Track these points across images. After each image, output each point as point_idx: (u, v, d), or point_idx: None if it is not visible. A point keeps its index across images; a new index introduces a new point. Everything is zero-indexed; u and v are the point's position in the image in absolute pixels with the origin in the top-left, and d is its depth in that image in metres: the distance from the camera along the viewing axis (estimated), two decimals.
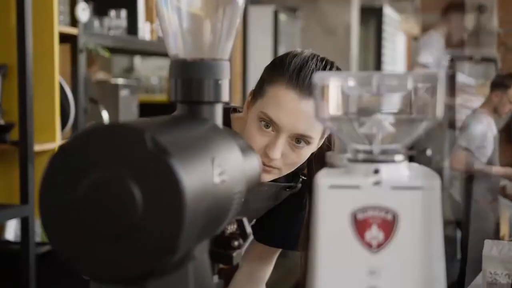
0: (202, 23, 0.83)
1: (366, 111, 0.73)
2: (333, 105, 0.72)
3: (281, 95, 1.22)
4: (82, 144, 0.63)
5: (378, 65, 7.41)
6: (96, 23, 2.92)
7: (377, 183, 0.68)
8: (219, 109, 0.82)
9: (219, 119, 0.82)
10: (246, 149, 0.87)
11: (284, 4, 5.68)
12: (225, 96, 0.83)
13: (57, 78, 2.49)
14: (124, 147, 0.62)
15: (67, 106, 2.56)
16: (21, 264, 2.33)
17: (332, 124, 0.73)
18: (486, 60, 9.20)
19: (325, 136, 1.31)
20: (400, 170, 0.71)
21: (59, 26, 2.54)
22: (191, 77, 0.81)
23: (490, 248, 1.97)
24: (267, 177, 1.28)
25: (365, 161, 0.71)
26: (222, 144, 0.75)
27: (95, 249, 0.62)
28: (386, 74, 0.70)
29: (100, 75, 3.79)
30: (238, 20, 0.85)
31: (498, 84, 4.24)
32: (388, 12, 7.46)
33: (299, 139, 1.24)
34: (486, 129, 4.13)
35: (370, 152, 0.71)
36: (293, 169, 1.29)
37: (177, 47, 0.83)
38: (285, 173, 1.29)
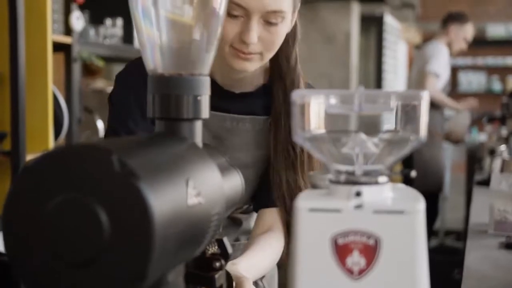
0: (181, 37, 0.80)
1: (348, 130, 0.70)
2: (314, 124, 0.70)
3: None
4: (48, 164, 0.60)
5: (378, 74, 7.38)
6: (92, 31, 2.90)
7: (358, 206, 0.66)
8: (198, 126, 0.80)
9: (198, 136, 0.79)
10: (227, 167, 0.84)
11: None
12: (205, 113, 0.80)
13: (51, 87, 2.46)
14: (90, 169, 0.59)
15: (61, 116, 2.53)
16: (13, 276, 2.30)
17: (312, 143, 0.70)
18: (406, 4, 9.22)
19: (297, 9, 1.28)
20: (383, 192, 0.68)
21: (53, 35, 2.51)
22: (170, 93, 0.78)
23: (498, 182, 1.86)
24: (250, 66, 1.24)
25: (347, 182, 0.68)
26: (199, 163, 0.72)
27: (61, 275, 0.59)
28: (369, 93, 0.67)
29: (100, 83, 3.77)
30: (219, 32, 0.82)
31: (455, 18, 4.32)
32: (389, 20, 7.44)
33: (271, 17, 1.19)
34: (446, 59, 4.28)
35: (352, 173, 0.69)
36: (273, 52, 1.25)
37: (155, 62, 0.80)
38: (268, 58, 1.25)
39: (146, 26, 0.80)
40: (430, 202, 4.44)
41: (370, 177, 0.68)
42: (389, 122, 0.69)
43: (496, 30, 9.74)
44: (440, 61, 4.23)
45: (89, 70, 3.51)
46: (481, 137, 8.93)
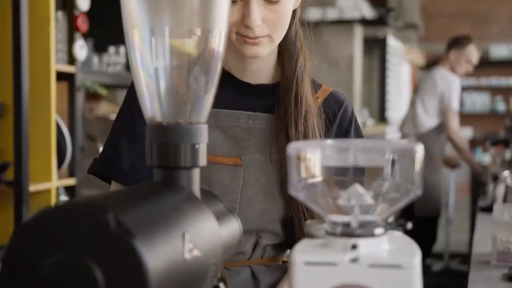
0: (179, 85, 0.81)
1: (344, 182, 0.70)
2: (309, 176, 0.70)
3: None
4: (43, 223, 0.60)
5: (382, 96, 7.40)
6: (95, 59, 2.91)
7: (354, 260, 0.65)
8: (196, 174, 0.80)
9: (196, 184, 0.80)
10: (224, 213, 0.84)
11: None
12: (202, 161, 0.80)
13: (54, 116, 2.47)
14: (86, 228, 0.59)
15: (64, 145, 2.54)
16: None
17: (308, 194, 0.70)
18: (409, 26, 9.27)
19: None
20: (379, 245, 0.67)
21: (57, 64, 2.53)
22: (167, 141, 0.78)
23: (500, 212, 1.84)
24: (260, 50, 1.17)
25: (343, 235, 0.68)
26: (196, 215, 0.72)
27: None
28: (364, 146, 0.67)
29: (105, 107, 3.78)
30: (216, 81, 0.82)
31: (453, 44, 4.35)
32: (392, 42, 7.47)
33: None
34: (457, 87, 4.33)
35: (348, 225, 0.69)
36: (283, 32, 1.17)
37: (154, 110, 0.81)
38: (278, 40, 1.18)
39: (144, 75, 0.80)
40: (429, 226, 4.42)
41: (366, 229, 0.68)
42: (385, 174, 0.69)
43: (499, 51, 9.76)
44: (457, 95, 4.31)
45: (92, 95, 3.53)
46: (485, 158, 8.93)
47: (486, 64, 9.80)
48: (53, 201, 2.49)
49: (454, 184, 5.93)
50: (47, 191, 2.50)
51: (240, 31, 1.15)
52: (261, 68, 1.25)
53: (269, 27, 1.15)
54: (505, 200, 2.81)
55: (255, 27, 1.13)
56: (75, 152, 2.64)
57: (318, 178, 0.70)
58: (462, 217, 6.05)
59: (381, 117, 7.36)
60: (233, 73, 1.26)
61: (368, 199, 0.69)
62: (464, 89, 9.92)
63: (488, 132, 9.74)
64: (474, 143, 9.85)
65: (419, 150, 0.67)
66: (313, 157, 0.69)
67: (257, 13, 1.12)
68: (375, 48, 7.20)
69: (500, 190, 2.89)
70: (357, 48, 5.58)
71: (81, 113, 2.70)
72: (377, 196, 0.69)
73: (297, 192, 0.70)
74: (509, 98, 9.89)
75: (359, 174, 0.69)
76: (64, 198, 2.80)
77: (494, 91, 9.92)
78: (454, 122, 4.25)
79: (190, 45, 0.79)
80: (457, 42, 4.35)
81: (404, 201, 0.69)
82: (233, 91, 1.25)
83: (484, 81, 9.90)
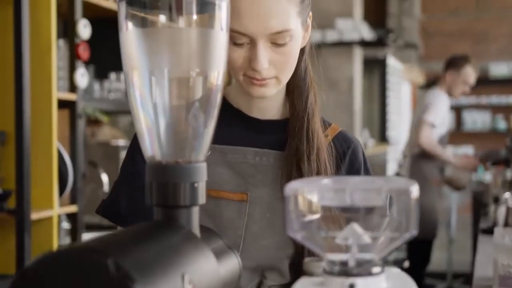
0: (178, 125, 0.82)
1: (341, 221, 0.71)
2: (307, 215, 0.71)
3: (237, 2, 1.10)
4: (44, 268, 0.61)
5: (383, 116, 7.42)
6: (97, 85, 2.94)
7: None
8: (195, 212, 0.81)
9: (195, 222, 0.81)
10: (223, 250, 0.85)
11: None
12: (202, 199, 0.81)
13: (55, 144, 2.49)
14: (87, 272, 0.60)
15: (65, 172, 2.55)
16: None
17: (306, 234, 0.71)
18: (409, 45, 9.28)
19: (307, 19, 1.21)
20: (377, 284, 0.68)
21: (58, 92, 2.55)
22: (167, 181, 0.79)
23: (501, 236, 1.83)
24: (267, 91, 1.17)
25: (340, 274, 0.68)
26: (195, 254, 0.73)
27: None
28: (360, 187, 0.68)
29: (107, 131, 3.80)
30: (214, 119, 0.84)
31: (450, 65, 4.34)
32: (392, 62, 7.50)
33: (278, 38, 1.12)
34: (446, 109, 4.28)
35: (345, 263, 0.69)
36: (290, 73, 1.17)
37: (153, 149, 0.82)
38: (285, 80, 1.18)
39: (143, 115, 0.81)
40: (424, 248, 4.38)
41: (363, 268, 0.69)
42: (381, 213, 0.70)
43: (499, 69, 9.80)
44: (438, 111, 4.24)
45: (94, 119, 3.54)
46: (486, 176, 8.92)
47: (486, 83, 9.83)
48: (55, 228, 2.50)
49: (456, 203, 5.92)
50: (48, 219, 2.50)
51: (247, 73, 1.15)
52: (269, 105, 1.26)
53: (276, 69, 1.15)
54: (506, 222, 2.81)
55: (262, 70, 1.13)
56: (77, 179, 2.64)
57: (316, 217, 0.71)
58: (464, 237, 6.04)
59: (382, 137, 7.37)
60: (242, 109, 1.26)
61: (366, 238, 0.70)
62: (464, 107, 9.95)
63: (489, 150, 9.75)
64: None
65: (414, 190, 0.68)
66: (311, 197, 0.70)
67: (264, 57, 1.12)
68: (375, 68, 7.23)
69: (501, 212, 2.89)
70: (357, 69, 5.61)
71: (83, 140, 2.71)
72: (375, 235, 0.70)
73: (295, 232, 0.71)
74: (509, 116, 9.91)
75: (356, 213, 0.70)
76: (66, 225, 2.80)
77: (495, 109, 9.95)
78: (424, 132, 4.17)
79: (189, 86, 0.81)
80: (454, 63, 4.36)
81: (401, 240, 0.70)
82: (242, 127, 1.25)
83: (484, 99, 9.92)
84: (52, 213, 2.49)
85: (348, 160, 1.27)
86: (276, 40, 1.13)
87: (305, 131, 1.21)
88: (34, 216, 2.41)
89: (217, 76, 0.82)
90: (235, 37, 1.12)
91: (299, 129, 1.22)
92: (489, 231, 2.86)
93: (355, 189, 0.69)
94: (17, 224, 2.33)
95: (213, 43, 0.80)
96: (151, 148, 0.82)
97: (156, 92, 0.80)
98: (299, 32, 1.16)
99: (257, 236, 1.19)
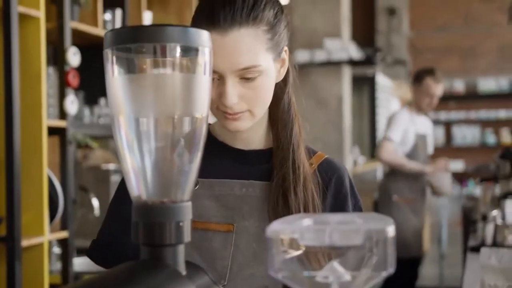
0: (163, 167, 0.84)
1: (321, 260, 0.74)
2: (287, 255, 0.73)
3: None
4: None
5: (372, 132, 7.47)
6: (87, 111, 2.96)
7: None
8: (181, 250, 0.83)
9: (181, 260, 0.83)
10: (209, 286, 0.87)
11: None
12: (187, 237, 0.83)
13: (46, 171, 2.50)
14: None
15: (56, 199, 2.57)
16: None
17: (287, 273, 0.73)
18: (398, 62, 9.30)
19: (281, 54, 1.20)
20: None
21: (48, 119, 2.57)
22: (153, 220, 0.82)
23: (488, 256, 1.85)
24: (241, 124, 1.18)
25: None
26: None
27: None
28: (339, 228, 0.71)
29: (99, 154, 3.81)
30: (198, 160, 0.86)
31: (414, 79, 4.34)
32: (381, 80, 7.57)
33: (246, 73, 1.13)
34: (407, 124, 4.22)
35: None
36: (264, 106, 1.19)
37: (139, 189, 0.84)
38: (260, 113, 1.19)
39: (130, 157, 0.84)
40: (411, 266, 4.34)
41: None
42: (360, 252, 0.72)
43: (487, 84, 9.88)
44: (398, 126, 4.17)
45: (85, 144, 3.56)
46: (476, 191, 8.96)
47: (475, 98, 9.93)
48: (45, 255, 2.51)
49: (446, 218, 5.96)
50: (39, 245, 2.51)
51: (220, 108, 1.17)
52: (251, 135, 1.27)
53: (248, 103, 1.16)
54: (494, 240, 2.84)
55: (232, 105, 1.15)
56: (67, 205, 2.66)
57: (296, 257, 0.74)
58: (456, 251, 6.06)
59: (372, 154, 7.41)
60: (226, 142, 1.28)
61: (346, 276, 0.72)
62: (454, 122, 10.02)
63: (479, 164, 9.83)
64: (466, 176, 9.92)
65: (390, 230, 0.71)
66: (291, 237, 0.73)
67: (233, 92, 1.14)
68: (364, 85, 7.29)
69: (490, 229, 2.92)
70: (345, 88, 5.66)
71: (73, 165, 2.73)
72: (354, 273, 0.72)
73: (276, 272, 0.73)
74: (499, 131, 9.98)
75: (336, 252, 0.73)
76: (56, 250, 2.81)
77: (484, 124, 10.03)
78: (383, 147, 4.13)
79: (174, 128, 0.83)
80: (416, 77, 4.34)
81: (379, 277, 0.72)
82: (227, 159, 1.27)
83: (473, 114, 10.00)
84: (43, 239, 2.50)
85: (333, 187, 1.28)
86: (245, 75, 1.14)
87: (290, 163, 1.23)
88: (25, 243, 2.42)
89: (201, 118, 0.85)
90: None
91: (285, 160, 1.23)
92: (478, 249, 2.88)
93: (334, 230, 0.72)
94: (8, 251, 2.33)
95: (197, 87, 0.83)
96: (137, 188, 0.84)
97: (142, 135, 0.83)
98: (270, 67, 1.17)
99: (243, 266, 1.21)
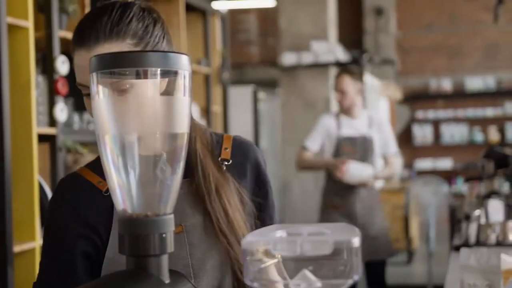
0: (147, 182, 0.90)
1: (293, 268, 0.80)
2: (262, 264, 0.79)
3: (75, 57, 1.21)
4: None
5: None
6: (76, 118, 3.01)
7: None
8: (164, 260, 0.89)
9: (165, 269, 0.89)
10: None
11: (264, 81, 5.87)
12: (170, 247, 0.89)
13: (36, 178, 2.55)
14: None
15: (47, 204, 2.61)
16: None
17: (262, 282, 0.79)
18: (386, 61, 9.29)
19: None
20: None
21: (38, 127, 2.61)
22: (138, 233, 0.87)
23: (467, 256, 1.90)
24: None
25: None
26: None
27: None
28: (309, 238, 0.77)
29: (89, 159, 3.85)
30: (180, 176, 0.92)
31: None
32: (369, 80, 7.63)
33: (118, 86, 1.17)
34: (327, 130, 4.05)
35: None
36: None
37: (124, 204, 0.90)
38: None
39: (115, 173, 0.90)
40: (376, 268, 4.23)
41: None
42: (328, 261, 0.78)
43: (474, 83, 9.98)
44: (315, 133, 4.08)
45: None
46: (465, 188, 9.04)
47: (462, 96, 10.03)
48: (37, 260, 2.56)
49: (434, 217, 6.03)
50: (31, 251, 2.56)
51: None
52: None
53: None
54: (477, 239, 2.90)
55: None
56: None
57: (270, 267, 0.80)
58: (444, 249, 6.14)
59: None
60: None
61: (316, 283, 0.79)
62: (442, 121, 10.12)
63: (468, 162, 9.93)
64: (454, 174, 10.03)
65: (356, 241, 0.77)
66: (265, 248, 0.79)
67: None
68: None
69: (473, 228, 2.98)
70: (332, 89, 5.73)
71: (63, 171, 2.78)
72: (324, 281, 0.78)
73: (252, 281, 0.79)
74: (486, 129, 10.08)
75: (307, 261, 0.79)
76: None
77: (472, 122, 10.12)
78: (298, 156, 4.08)
79: (156, 145, 0.89)
80: (337, 76, 4.14)
81: (347, 284, 0.78)
82: None
83: (461, 112, 10.10)
84: (34, 244, 2.55)
85: (250, 168, 1.34)
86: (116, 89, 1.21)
87: (200, 174, 1.27)
88: (17, 248, 2.47)
89: (182, 134, 0.91)
90: (84, 91, 1.23)
91: (195, 172, 1.28)
92: (461, 248, 2.94)
93: (305, 240, 0.78)
94: (0, 257, 2.38)
95: (177, 107, 0.89)
96: (122, 202, 0.90)
97: (126, 152, 0.89)
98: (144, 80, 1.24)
99: (202, 260, 1.27)
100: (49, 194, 2.63)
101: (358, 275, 0.78)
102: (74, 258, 1.25)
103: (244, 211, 1.29)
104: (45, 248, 1.29)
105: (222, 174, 1.29)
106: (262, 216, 1.33)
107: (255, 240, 0.79)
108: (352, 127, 4.07)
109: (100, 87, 0.88)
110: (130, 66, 0.87)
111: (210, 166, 1.29)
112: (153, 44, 1.23)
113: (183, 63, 0.89)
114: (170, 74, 0.89)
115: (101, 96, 0.88)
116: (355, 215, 4.06)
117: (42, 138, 2.67)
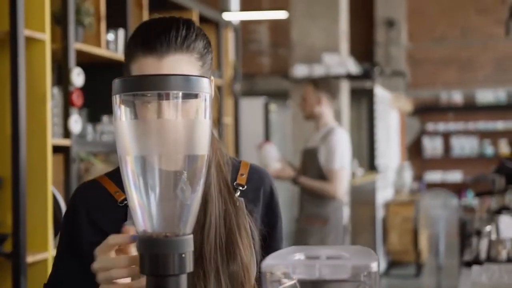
0: (167, 203, 0.91)
1: None
2: (281, 286, 0.80)
3: (141, 64, 1.19)
4: None
5: (371, 144, 7.53)
6: (90, 129, 3.03)
7: None
8: (183, 280, 0.90)
9: None
10: None
11: (275, 92, 5.88)
12: (189, 267, 0.91)
13: (50, 189, 2.57)
14: None
15: (60, 215, 2.64)
16: None
17: None
18: (397, 73, 9.22)
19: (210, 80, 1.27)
20: None
21: (53, 138, 2.64)
22: (157, 253, 0.89)
23: (479, 274, 1.91)
24: None
25: None
26: None
27: None
28: (328, 262, 0.78)
29: (100, 167, 3.87)
30: (199, 196, 0.93)
31: None
32: (380, 92, 7.64)
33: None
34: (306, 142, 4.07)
35: None
36: None
37: (145, 224, 0.91)
38: None
39: (136, 194, 0.91)
40: None
41: None
42: (347, 285, 0.79)
43: (485, 96, 9.96)
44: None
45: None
46: (474, 201, 9.01)
47: (473, 109, 10.00)
48: (49, 271, 2.57)
49: (444, 230, 6.02)
50: (43, 261, 2.58)
51: None
52: None
53: None
54: (488, 255, 2.89)
55: None
56: None
57: None
58: (453, 262, 6.12)
59: (371, 166, 7.47)
60: None
61: None
62: (452, 133, 10.10)
63: (478, 175, 9.90)
64: (464, 187, 10.00)
65: (374, 265, 0.78)
66: (284, 271, 0.80)
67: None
68: (363, 98, 7.36)
69: (484, 244, 2.98)
70: (344, 102, 5.73)
71: (76, 183, 2.80)
72: None
73: None
74: (497, 142, 10.05)
75: (326, 284, 0.80)
76: None
77: (482, 135, 10.09)
78: None
79: (177, 167, 0.91)
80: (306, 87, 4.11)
81: None
82: None
83: (472, 125, 10.07)
84: (47, 255, 2.57)
85: (264, 195, 1.35)
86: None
87: (208, 197, 1.26)
88: (30, 259, 2.49)
89: (203, 155, 0.92)
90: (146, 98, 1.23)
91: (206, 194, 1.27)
92: (471, 264, 2.93)
93: (324, 264, 0.79)
94: (13, 267, 2.40)
95: (198, 129, 0.91)
96: (143, 223, 0.91)
97: (147, 173, 0.90)
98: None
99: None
100: (63, 205, 2.65)
101: None
102: (85, 262, 1.26)
103: (249, 238, 1.28)
104: (58, 250, 1.31)
105: (232, 200, 1.29)
106: (268, 247, 1.31)
107: (275, 264, 0.80)
108: (314, 139, 4.05)
109: (123, 109, 0.90)
110: (152, 89, 0.89)
111: (216, 193, 1.28)
112: (209, 64, 1.26)
113: (204, 86, 0.91)
114: (190, 96, 0.90)
115: (123, 117, 0.90)
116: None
117: (56, 149, 2.70)
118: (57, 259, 1.31)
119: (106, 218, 1.28)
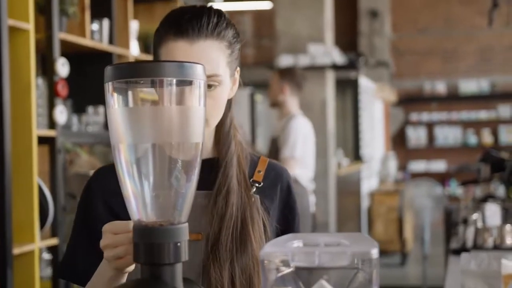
0: (162, 191, 0.90)
1: (311, 279, 0.80)
2: (279, 274, 0.79)
3: (172, 48, 1.20)
4: None
5: (356, 134, 7.56)
6: (75, 120, 3.00)
7: None
8: (179, 268, 0.89)
9: (179, 278, 0.89)
10: None
11: (259, 82, 5.87)
12: (184, 256, 0.89)
13: (36, 180, 2.55)
14: None
15: (46, 206, 2.61)
16: None
17: None
18: (381, 63, 9.28)
19: (235, 74, 1.29)
20: None
21: (38, 129, 2.61)
22: (152, 241, 0.88)
23: (468, 261, 1.91)
24: None
25: None
26: None
27: None
28: (327, 250, 0.77)
29: (85, 159, 3.84)
30: (194, 184, 0.92)
31: None
32: (364, 82, 7.65)
33: (209, 81, 1.18)
34: None
35: None
36: (218, 117, 1.25)
37: (139, 213, 0.90)
38: (213, 124, 1.25)
39: (130, 183, 0.90)
40: None
41: None
42: (347, 271, 0.79)
43: (468, 86, 10.01)
44: None
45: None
46: (458, 191, 9.06)
47: (456, 99, 10.06)
48: (36, 262, 2.55)
49: (429, 219, 6.05)
50: (30, 253, 2.55)
51: None
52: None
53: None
54: (474, 243, 2.91)
55: None
56: (57, 212, 2.70)
57: (288, 277, 0.80)
58: (438, 251, 6.16)
59: (356, 156, 7.50)
60: None
61: None
62: (436, 123, 10.15)
63: (461, 164, 9.97)
64: (448, 176, 10.06)
65: (375, 252, 0.77)
66: (283, 259, 0.79)
67: None
68: (348, 88, 7.37)
69: (470, 232, 3.00)
70: (329, 92, 5.73)
71: (62, 174, 2.77)
72: None
73: None
74: (480, 131, 10.12)
75: (324, 271, 0.79)
76: (46, 257, 2.85)
77: (465, 124, 10.15)
78: None
79: (171, 155, 0.89)
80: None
81: None
82: None
83: (455, 115, 10.13)
84: (33, 246, 2.55)
85: (280, 191, 1.35)
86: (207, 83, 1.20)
87: (220, 175, 1.28)
88: (16, 250, 2.46)
89: (197, 143, 0.91)
90: None
91: (217, 173, 1.29)
92: (459, 252, 2.95)
93: (323, 252, 0.78)
94: (0, 259, 2.38)
95: (192, 117, 0.89)
96: (137, 212, 0.90)
97: (141, 161, 0.89)
98: (227, 81, 1.25)
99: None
100: (48, 196, 2.63)
101: (377, 287, 0.78)
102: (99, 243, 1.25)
103: (262, 233, 1.28)
104: (73, 230, 1.30)
105: (248, 195, 1.28)
106: None
107: (273, 251, 0.79)
108: (276, 128, 4.16)
109: (116, 96, 0.89)
110: (145, 76, 0.87)
111: (232, 173, 1.28)
112: (236, 53, 1.27)
113: (198, 73, 0.90)
114: (185, 83, 0.89)
115: (116, 105, 0.89)
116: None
117: (42, 140, 2.67)
118: (72, 239, 1.30)
119: (121, 201, 1.26)
